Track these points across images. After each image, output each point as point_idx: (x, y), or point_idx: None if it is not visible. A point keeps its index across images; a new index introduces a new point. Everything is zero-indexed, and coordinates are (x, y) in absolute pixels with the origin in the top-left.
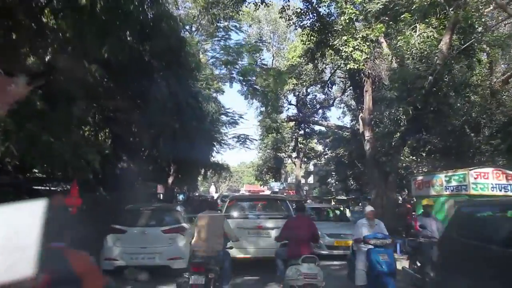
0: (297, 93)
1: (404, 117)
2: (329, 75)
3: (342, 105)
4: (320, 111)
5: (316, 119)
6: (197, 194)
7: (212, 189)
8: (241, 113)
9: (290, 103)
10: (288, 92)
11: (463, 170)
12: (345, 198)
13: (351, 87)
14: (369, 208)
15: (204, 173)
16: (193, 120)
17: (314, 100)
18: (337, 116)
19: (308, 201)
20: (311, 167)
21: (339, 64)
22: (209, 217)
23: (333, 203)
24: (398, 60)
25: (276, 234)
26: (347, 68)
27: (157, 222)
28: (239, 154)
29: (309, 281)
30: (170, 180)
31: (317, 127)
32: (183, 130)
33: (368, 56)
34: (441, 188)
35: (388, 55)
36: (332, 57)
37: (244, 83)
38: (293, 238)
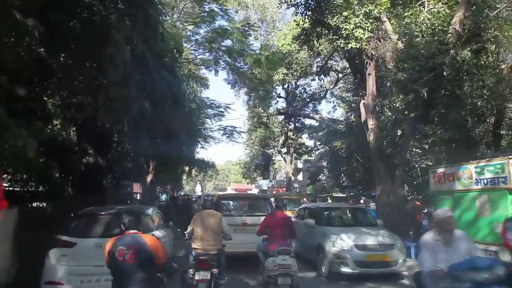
0: (286, 85)
1: (414, 102)
2: (325, 59)
3: (333, 99)
4: (311, 104)
5: (307, 112)
6: (182, 194)
7: (198, 188)
8: (228, 103)
9: (279, 96)
10: (278, 83)
11: (500, 159)
12: (343, 195)
13: (345, 77)
14: (445, 213)
15: (188, 171)
16: (173, 109)
17: (305, 93)
18: (327, 111)
19: (303, 199)
20: (300, 165)
21: (338, 44)
22: (208, 215)
23: (329, 200)
24: (406, 39)
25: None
26: (348, 48)
27: (118, 231)
28: (225, 151)
29: (283, 270)
30: (148, 178)
31: (308, 121)
32: (161, 121)
33: (372, 35)
34: (470, 181)
35: (394, 33)
36: (330, 37)
37: (231, 69)
38: (271, 233)
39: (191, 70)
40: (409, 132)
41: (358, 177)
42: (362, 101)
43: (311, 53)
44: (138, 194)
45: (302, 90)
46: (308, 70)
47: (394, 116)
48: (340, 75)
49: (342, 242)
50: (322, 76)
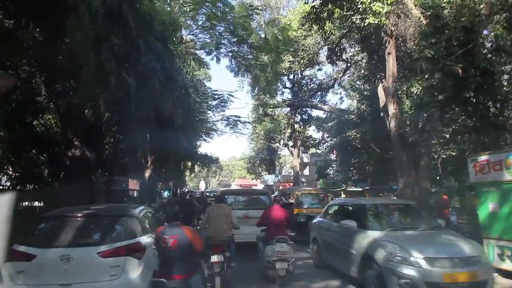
0: (292, 75)
1: (442, 82)
2: (338, 40)
3: (340, 90)
4: (318, 95)
5: (314, 102)
6: (186, 191)
7: (202, 184)
8: (231, 90)
9: (285, 86)
10: (284, 71)
11: None
12: (358, 189)
13: (355, 64)
14: None
15: (191, 166)
16: (165, 88)
17: (312, 83)
18: (333, 103)
19: (327, 194)
20: (305, 159)
21: (353, 20)
22: (220, 208)
23: (343, 196)
24: (431, 12)
25: None
26: (364, 24)
27: (92, 239)
28: (230, 146)
29: (281, 256)
30: (147, 174)
31: (315, 113)
32: (150, 102)
33: (392, 8)
34: None
35: (415, 8)
36: (344, 13)
37: (233, 56)
38: (270, 224)
39: (188, 47)
40: (438, 116)
41: (369, 170)
42: (381, 85)
43: (320, 36)
44: (135, 191)
45: (309, 80)
46: (315, 59)
47: (418, 99)
48: (349, 64)
49: (404, 253)
50: (333, 58)
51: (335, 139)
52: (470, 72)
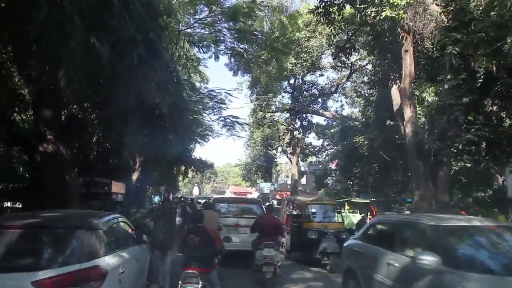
0: (293, 79)
1: (465, 85)
2: (350, 35)
3: (341, 98)
4: (320, 101)
5: (315, 108)
6: (179, 196)
7: (196, 190)
8: (229, 89)
9: (285, 91)
10: (285, 73)
11: None
12: (365, 201)
13: (360, 69)
14: None
15: (184, 171)
16: (148, 65)
17: (314, 88)
18: (334, 110)
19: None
20: (302, 168)
21: (367, 13)
22: (208, 214)
23: (347, 207)
24: (455, 5)
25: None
26: (380, 17)
27: (29, 261)
28: (225, 152)
29: (267, 260)
30: (134, 176)
31: (315, 120)
32: (128, 81)
33: (410, 1)
34: None
35: (434, 2)
36: (356, 6)
37: (233, 51)
38: (262, 231)
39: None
40: (462, 121)
41: (370, 181)
42: (395, 86)
43: (326, 37)
44: (120, 195)
45: (310, 85)
46: (317, 63)
47: (441, 102)
48: (354, 69)
49: None
50: (341, 57)
51: (336, 148)
52: (499, 73)
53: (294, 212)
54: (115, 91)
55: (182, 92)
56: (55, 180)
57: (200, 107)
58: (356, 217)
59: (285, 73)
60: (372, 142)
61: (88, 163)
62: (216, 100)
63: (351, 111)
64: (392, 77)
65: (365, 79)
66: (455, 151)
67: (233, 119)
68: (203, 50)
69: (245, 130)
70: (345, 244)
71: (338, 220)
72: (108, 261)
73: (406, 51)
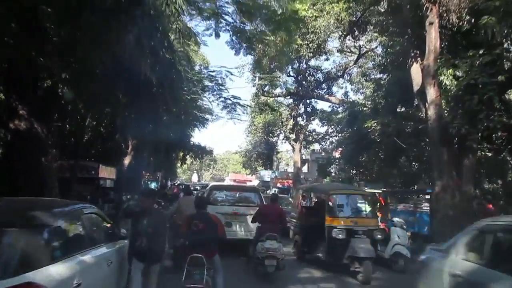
0: (297, 63)
1: (500, 61)
2: (364, 10)
3: (345, 84)
4: (325, 85)
5: (321, 94)
6: (178, 183)
7: (195, 177)
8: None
9: (289, 75)
10: (291, 53)
11: None
12: (377, 191)
13: (381, 40)
14: None
15: (182, 157)
16: (129, 22)
17: (319, 72)
18: (341, 95)
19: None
20: (304, 155)
21: None
22: (189, 199)
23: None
24: None
25: (250, 220)
26: None
27: None
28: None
29: (270, 253)
30: (126, 161)
31: (319, 105)
32: (106, 45)
33: None
34: None
35: None
36: None
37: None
38: (264, 221)
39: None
40: (497, 101)
41: (375, 170)
42: (415, 64)
43: (335, 16)
44: (109, 180)
45: (316, 70)
46: (323, 46)
47: (473, 80)
48: (362, 52)
49: None
50: (356, 32)
51: (341, 135)
52: None
53: (312, 204)
54: (92, 50)
55: (175, 62)
56: (28, 162)
57: (199, 88)
58: None
59: (291, 53)
60: (385, 127)
61: (72, 145)
62: (215, 81)
63: (358, 98)
64: (412, 54)
65: (374, 62)
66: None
67: (234, 100)
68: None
69: (247, 113)
70: (423, 259)
71: (371, 215)
72: (53, 272)
73: (431, 23)
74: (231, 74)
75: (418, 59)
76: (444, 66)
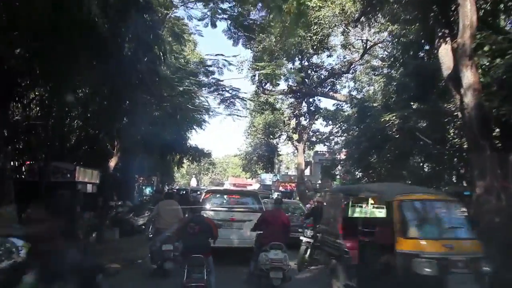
0: (299, 59)
1: None
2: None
3: (347, 83)
4: (329, 82)
5: (324, 90)
6: (177, 188)
7: (193, 181)
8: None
9: (290, 72)
10: (293, 47)
11: None
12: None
13: (393, 28)
14: None
15: (178, 159)
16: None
17: (322, 68)
18: (347, 92)
19: None
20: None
21: None
22: (169, 203)
23: (371, 202)
24: None
25: (248, 226)
26: None
27: None
28: (224, 143)
29: (275, 264)
30: (112, 163)
31: (323, 104)
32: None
33: None
34: None
35: None
36: None
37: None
38: (267, 229)
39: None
40: None
41: (383, 172)
42: (444, 45)
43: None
44: (90, 185)
45: (318, 67)
46: (326, 41)
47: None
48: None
49: None
50: (362, 22)
51: (346, 134)
52: None
53: (367, 215)
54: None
55: (155, 26)
56: None
57: (194, 82)
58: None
59: (293, 47)
60: (407, 120)
61: (41, 142)
62: (211, 73)
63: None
64: (440, 34)
65: (384, 54)
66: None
67: (233, 89)
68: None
69: (247, 108)
70: None
71: (469, 234)
72: None
73: None
74: (229, 63)
75: (447, 39)
76: (483, 43)
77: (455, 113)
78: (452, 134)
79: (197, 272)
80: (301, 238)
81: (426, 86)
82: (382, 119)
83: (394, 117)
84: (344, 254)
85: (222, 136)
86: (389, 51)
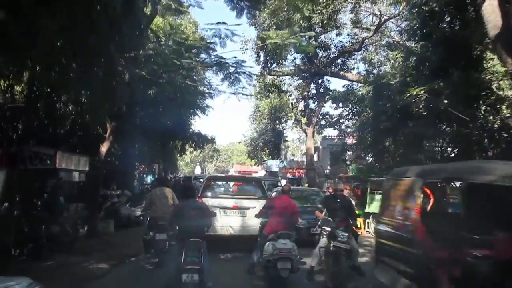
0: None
1: None
2: None
3: (356, 64)
4: (339, 62)
5: (335, 70)
6: (181, 176)
7: (198, 169)
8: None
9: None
10: (301, 22)
11: None
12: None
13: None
14: None
15: (181, 146)
16: None
17: (332, 46)
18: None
19: None
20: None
21: None
22: (161, 190)
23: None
24: None
25: (252, 214)
26: None
27: None
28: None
29: (283, 255)
30: (104, 148)
31: (332, 86)
32: None
33: None
34: None
35: None
36: None
37: None
38: (273, 216)
39: None
40: None
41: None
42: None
43: None
44: (75, 173)
45: (328, 45)
46: (334, 18)
47: None
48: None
49: None
50: None
51: (357, 117)
52: None
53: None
54: None
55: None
56: None
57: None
58: None
59: (301, 21)
60: (437, 94)
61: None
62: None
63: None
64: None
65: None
66: None
67: (237, 64)
68: None
69: (254, 85)
70: None
71: None
72: None
73: None
74: (233, 34)
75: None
76: None
77: (491, 84)
78: (483, 111)
79: (194, 255)
80: (332, 242)
81: (452, 57)
82: (409, 94)
83: (422, 92)
84: (426, 273)
85: (226, 122)
86: (406, 23)
